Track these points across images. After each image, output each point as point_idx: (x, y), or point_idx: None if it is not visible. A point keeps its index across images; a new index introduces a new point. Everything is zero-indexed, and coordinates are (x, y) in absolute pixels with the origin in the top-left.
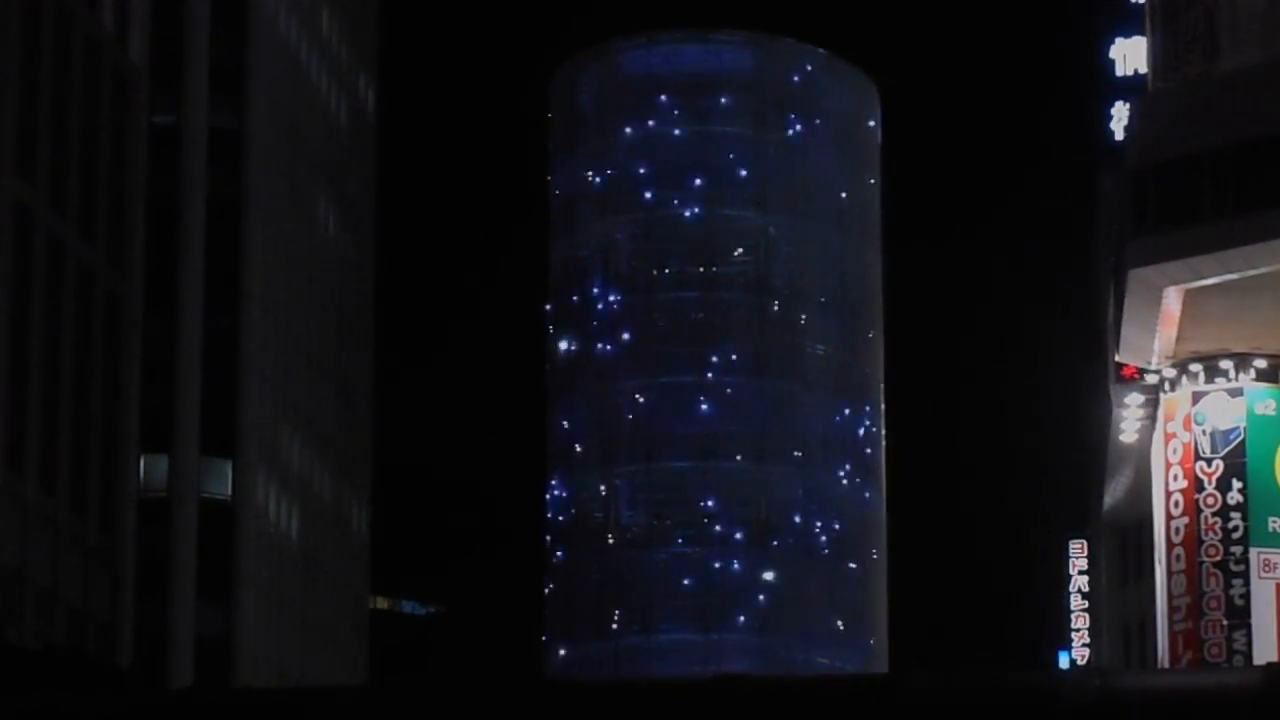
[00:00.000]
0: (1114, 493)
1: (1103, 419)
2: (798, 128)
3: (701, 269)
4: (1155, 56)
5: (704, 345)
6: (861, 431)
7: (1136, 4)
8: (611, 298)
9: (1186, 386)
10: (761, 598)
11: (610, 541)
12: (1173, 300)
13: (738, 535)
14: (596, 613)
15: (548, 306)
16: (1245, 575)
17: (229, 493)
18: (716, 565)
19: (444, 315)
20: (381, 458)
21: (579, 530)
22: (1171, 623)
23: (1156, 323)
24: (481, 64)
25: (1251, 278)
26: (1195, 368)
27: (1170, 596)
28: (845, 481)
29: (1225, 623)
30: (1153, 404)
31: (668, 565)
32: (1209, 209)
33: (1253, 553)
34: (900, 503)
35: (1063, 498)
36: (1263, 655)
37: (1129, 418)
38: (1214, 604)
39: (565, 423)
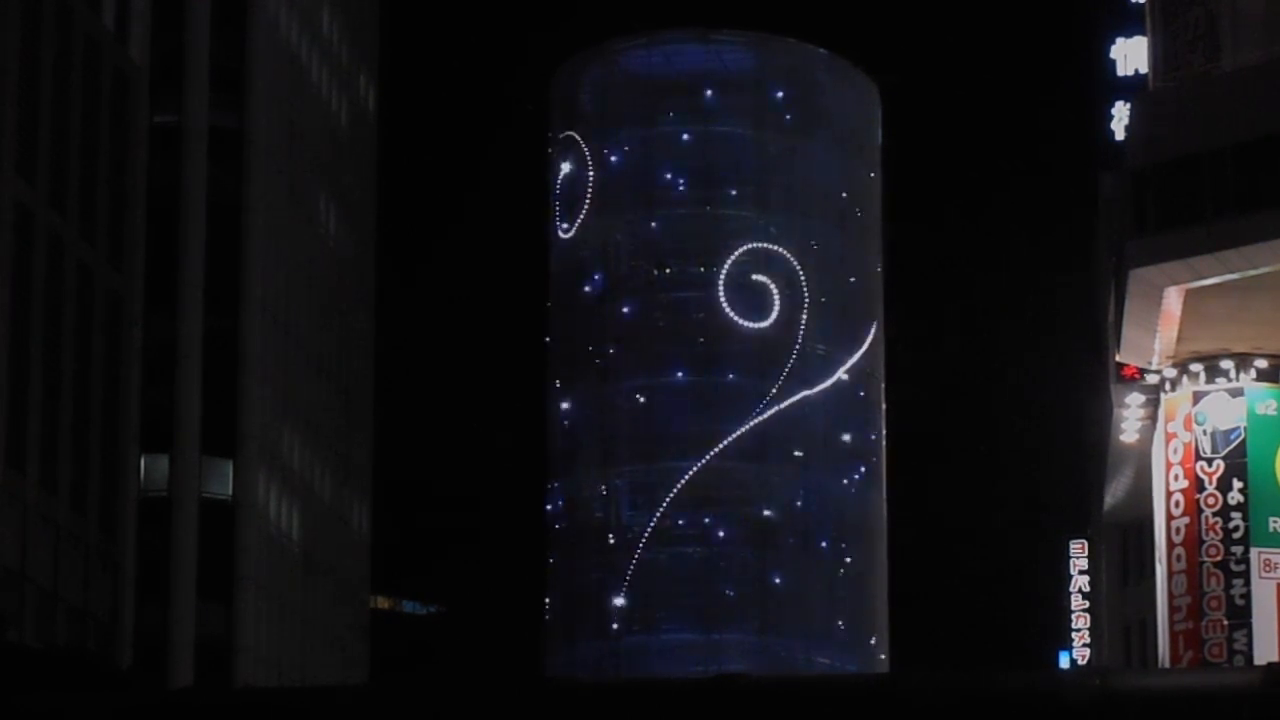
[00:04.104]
0: (1114, 493)
1: (1103, 419)
2: (798, 128)
3: (701, 269)
4: (1155, 56)
5: (704, 345)
6: (861, 431)
7: (1137, 4)
8: (611, 298)
9: (1187, 386)
10: (762, 598)
11: (610, 541)
12: (1173, 300)
13: (738, 535)
14: (596, 613)
15: (548, 307)
16: (1246, 575)
17: (229, 493)
18: (717, 565)
19: (444, 315)
20: (381, 458)
21: (579, 530)
22: (1172, 623)
23: (1157, 323)
24: (481, 64)
25: (1252, 278)
26: (1196, 368)
27: (1171, 596)
28: (845, 481)
29: (1226, 623)
30: (1153, 404)
31: (668, 565)
32: (1209, 209)
33: (1253, 553)
34: (900, 503)
35: (1063, 498)
36: (1263, 655)
37: (1129, 418)
38: (1214, 604)
39: (565, 423)
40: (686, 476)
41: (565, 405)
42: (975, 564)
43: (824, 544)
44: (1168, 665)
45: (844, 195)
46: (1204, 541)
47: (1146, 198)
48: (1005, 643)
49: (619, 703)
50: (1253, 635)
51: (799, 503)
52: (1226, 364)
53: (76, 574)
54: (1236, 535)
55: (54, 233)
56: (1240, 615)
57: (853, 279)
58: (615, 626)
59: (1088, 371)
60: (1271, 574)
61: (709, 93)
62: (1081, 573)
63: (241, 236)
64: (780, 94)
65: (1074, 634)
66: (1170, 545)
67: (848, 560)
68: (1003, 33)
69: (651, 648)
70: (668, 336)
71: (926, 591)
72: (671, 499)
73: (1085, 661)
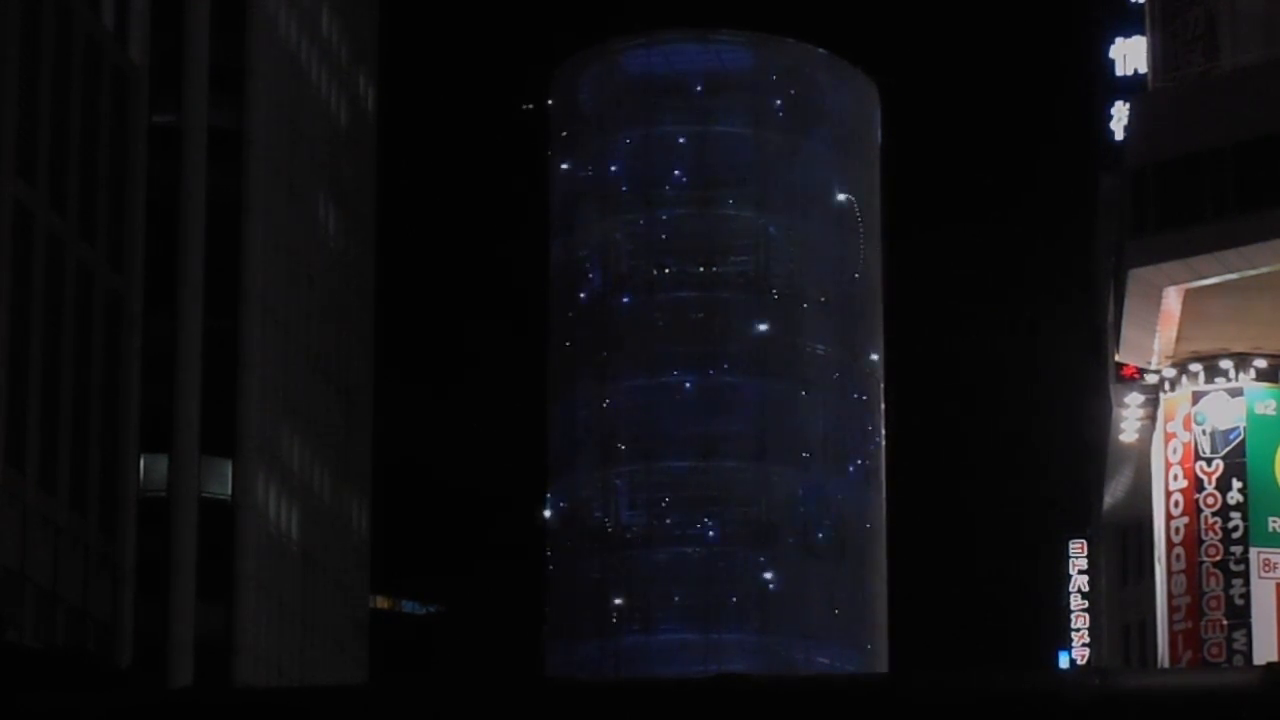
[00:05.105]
0: (1114, 493)
1: (1103, 419)
2: (797, 127)
3: (701, 269)
4: (1155, 56)
5: (704, 345)
6: (861, 431)
7: (1136, 4)
8: (611, 298)
9: (1186, 386)
10: (761, 598)
11: (610, 541)
12: (1173, 300)
13: (738, 535)
14: (596, 613)
15: (548, 306)
16: (1245, 575)
17: (229, 493)
18: (717, 565)
19: (444, 315)
20: (381, 458)
21: (579, 530)
22: (1171, 622)
23: (1156, 323)
24: (481, 64)
25: (1251, 278)
26: (1195, 368)
27: (1170, 596)
28: (845, 481)
29: (1225, 622)
30: (1153, 404)
31: (668, 565)
32: (1209, 209)
33: (1253, 552)
34: (900, 503)
35: (1063, 498)
36: (1263, 655)
37: (1129, 418)
38: (1214, 604)
39: (565, 423)
40: (686, 477)
41: (565, 405)
42: (975, 564)
43: (824, 544)
44: (1167, 665)
45: (843, 195)
46: (1203, 541)
47: (1146, 198)
48: (1005, 643)
49: (619, 703)
50: (1252, 635)
51: (798, 503)
52: (1226, 364)
53: (76, 574)
54: (1236, 535)
55: (54, 233)
56: (1240, 615)
57: (852, 279)
58: (615, 626)
59: (1088, 371)
60: (1271, 574)
61: (709, 93)
62: (1081, 572)
63: (241, 236)
64: (779, 94)
65: (1074, 634)
66: (1170, 545)
67: (847, 560)
68: (1002, 32)
69: (651, 648)
70: (668, 336)
71: (926, 591)
72: (671, 499)
73: (1085, 661)
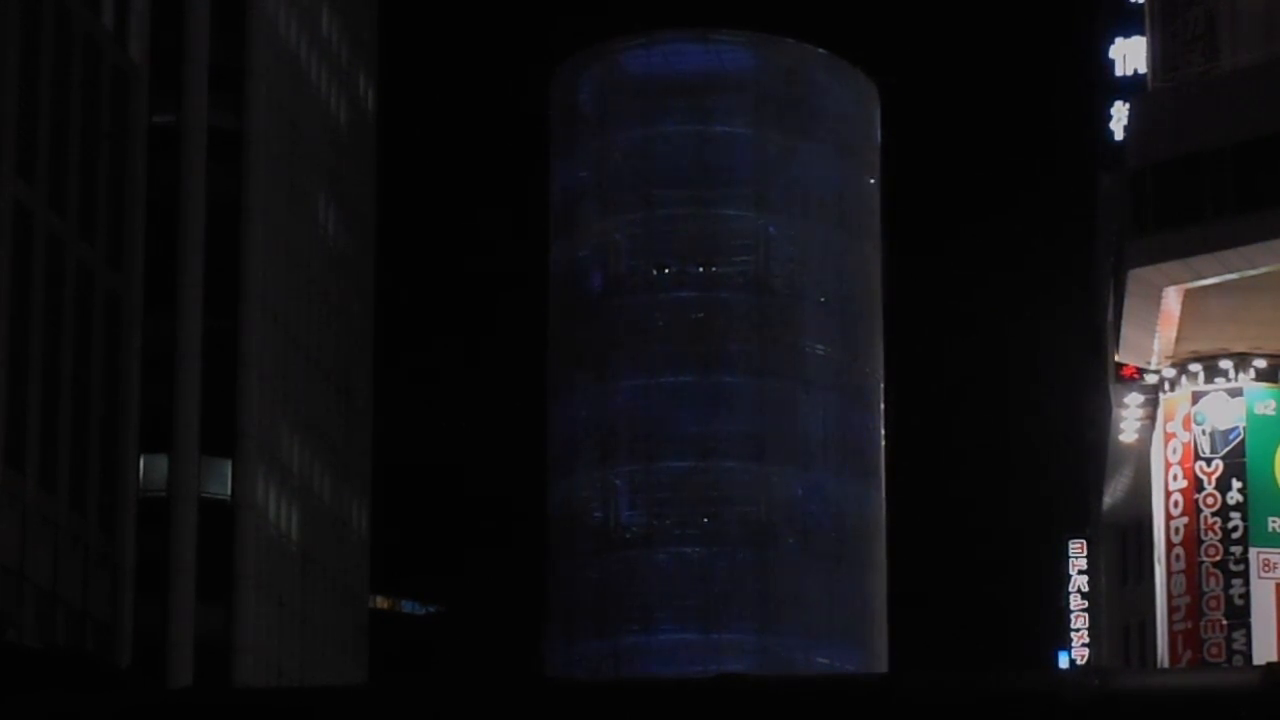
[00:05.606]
0: (1114, 493)
1: (1103, 419)
2: (798, 128)
3: (701, 269)
4: (1155, 56)
5: (704, 345)
6: (861, 431)
7: (1136, 4)
8: (611, 298)
9: (1186, 386)
10: (761, 597)
11: (610, 541)
12: (1173, 300)
13: (738, 535)
14: (596, 613)
15: (547, 306)
16: (1245, 575)
17: (229, 493)
18: (717, 565)
19: (444, 315)
20: (381, 458)
21: (579, 530)
22: (1171, 623)
23: (1156, 323)
24: (481, 64)
25: (1251, 278)
26: (1195, 368)
27: (1170, 596)
28: (845, 481)
29: (1225, 623)
30: (1153, 404)
31: (668, 565)
32: (1209, 209)
33: (1252, 553)
34: (900, 503)
35: (1063, 498)
36: (1262, 655)
37: (1129, 418)
38: (1214, 604)
39: (565, 422)
40: (686, 477)
41: (565, 405)
42: (975, 564)
43: (824, 544)
44: (1167, 665)
45: (844, 195)
46: (1203, 541)
47: (1146, 198)
48: (1005, 643)
49: (619, 703)
50: (1252, 635)
51: (798, 503)
52: (1225, 364)
53: (76, 574)
54: (1235, 535)
55: (54, 233)
56: (1239, 615)
57: (853, 279)
58: (615, 626)
59: (1088, 371)
60: (1270, 574)
61: (709, 93)
62: (1081, 573)
63: (241, 236)
64: (779, 94)
65: (1073, 634)
66: (1169, 545)
67: (847, 560)
68: (1002, 32)
69: (651, 648)
70: (668, 336)
71: (926, 591)
72: (671, 499)
73: (1085, 661)
